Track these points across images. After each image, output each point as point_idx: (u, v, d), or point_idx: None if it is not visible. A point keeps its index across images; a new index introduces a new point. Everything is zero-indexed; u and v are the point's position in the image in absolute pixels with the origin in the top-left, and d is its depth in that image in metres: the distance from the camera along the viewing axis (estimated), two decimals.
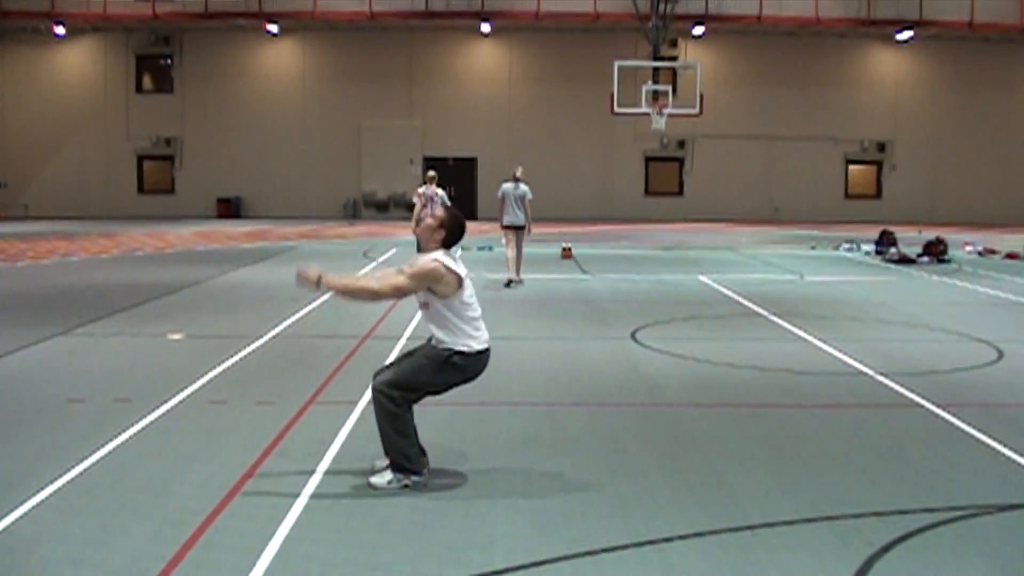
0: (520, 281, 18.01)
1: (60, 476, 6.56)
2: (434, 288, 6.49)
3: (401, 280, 6.47)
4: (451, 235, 6.67)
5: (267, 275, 19.52)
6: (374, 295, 6.58)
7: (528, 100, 43.99)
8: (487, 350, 6.70)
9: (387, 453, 6.55)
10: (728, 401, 9.11)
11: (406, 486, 6.45)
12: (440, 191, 18.72)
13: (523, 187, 18.53)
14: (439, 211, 6.81)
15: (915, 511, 6.06)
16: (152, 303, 15.30)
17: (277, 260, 22.83)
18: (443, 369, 6.55)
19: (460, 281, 6.54)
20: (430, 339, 6.68)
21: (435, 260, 6.50)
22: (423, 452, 6.64)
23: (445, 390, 6.77)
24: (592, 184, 44.11)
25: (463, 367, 6.58)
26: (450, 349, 6.54)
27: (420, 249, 6.85)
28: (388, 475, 6.50)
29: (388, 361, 6.88)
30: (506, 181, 18.85)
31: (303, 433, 7.77)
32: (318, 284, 6.39)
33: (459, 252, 17.47)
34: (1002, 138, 44.67)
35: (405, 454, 6.48)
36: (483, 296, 16.20)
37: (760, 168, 44.56)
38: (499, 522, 5.87)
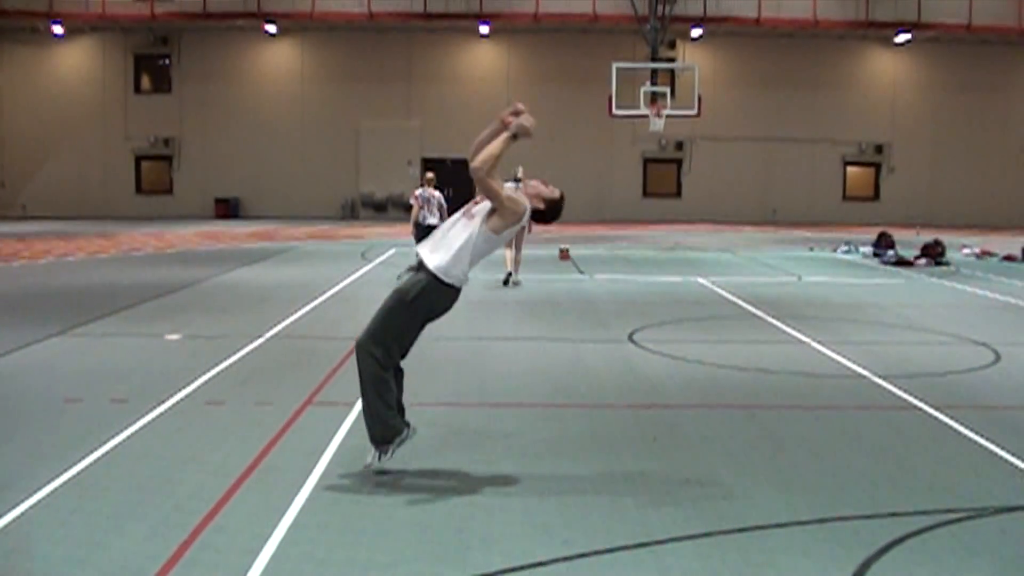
0: (518, 282, 18.04)
1: (56, 477, 6.55)
2: (503, 215, 6.55)
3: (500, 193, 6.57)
4: (546, 212, 6.88)
5: (265, 275, 19.52)
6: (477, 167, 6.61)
7: (526, 101, 42.25)
8: (461, 289, 6.73)
9: (369, 428, 6.58)
10: (725, 403, 9.11)
11: (392, 452, 6.58)
12: (437, 193, 18.63)
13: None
14: (526, 194, 6.84)
15: (912, 513, 6.06)
16: (149, 303, 15.29)
17: (275, 260, 22.83)
18: (414, 307, 6.56)
19: (519, 220, 6.64)
20: (399, 279, 6.71)
21: (526, 205, 6.66)
22: (403, 414, 6.70)
23: (420, 330, 6.74)
24: (590, 185, 44.12)
25: (434, 300, 6.59)
26: (425, 280, 6.52)
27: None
28: (374, 452, 6.59)
29: None
30: (507, 181, 18.85)
31: (301, 434, 7.76)
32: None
33: None
34: (1000, 140, 44.75)
35: (385, 422, 6.52)
36: (481, 297, 16.28)
37: (758, 170, 44.61)
38: (496, 523, 5.87)
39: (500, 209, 6.56)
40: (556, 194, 6.92)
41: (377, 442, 6.58)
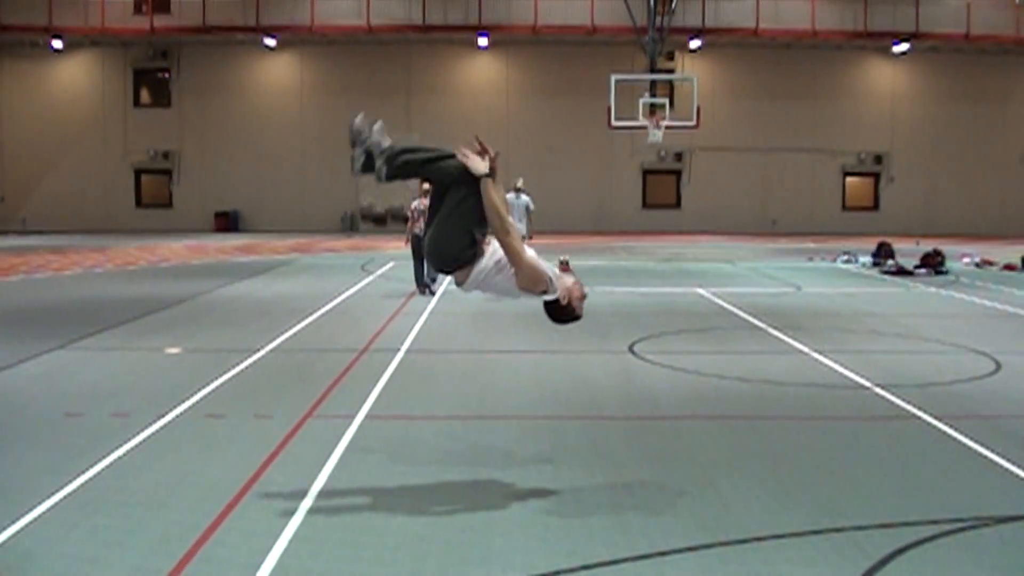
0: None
1: (57, 491, 6.55)
2: (520, 277, 6.33)
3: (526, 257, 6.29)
4: (558, 313, 6.71)
5: (264, 288, 19.52)
6: (509, 234, 6.24)
7: (526, 113, 44.05)
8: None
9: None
10: (726, 414, 9.10)
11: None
12: None
13: (524, 198, 18.82)
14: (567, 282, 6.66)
15: (913, 523, 6.06)
16: (149, 317, 15.29)
17: (274, 274, 22.83)
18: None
19: (535, 291, 6.46)
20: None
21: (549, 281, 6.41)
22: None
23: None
24: (590, 197, 44.16)
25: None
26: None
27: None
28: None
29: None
30: (507, 192, 19.08)
31: (301, 446, 7.75)
32: (491, 172, 6.24)
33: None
34: (999, 150, 44.78)
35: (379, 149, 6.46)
36: (481, 309, 16.27)
37: (758, 180, 44.63)
38: (497, 535, 5.86)
39: (517, 271, 6.32)
40: (579, 309, 6.71)
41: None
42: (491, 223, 6.24)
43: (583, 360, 11.80)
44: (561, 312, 6.62)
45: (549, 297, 6.48)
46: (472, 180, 6.25)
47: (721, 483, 6.93)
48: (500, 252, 6.36)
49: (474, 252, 6.41)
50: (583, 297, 6.69)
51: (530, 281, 6.33)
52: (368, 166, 6.48)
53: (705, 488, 6.82)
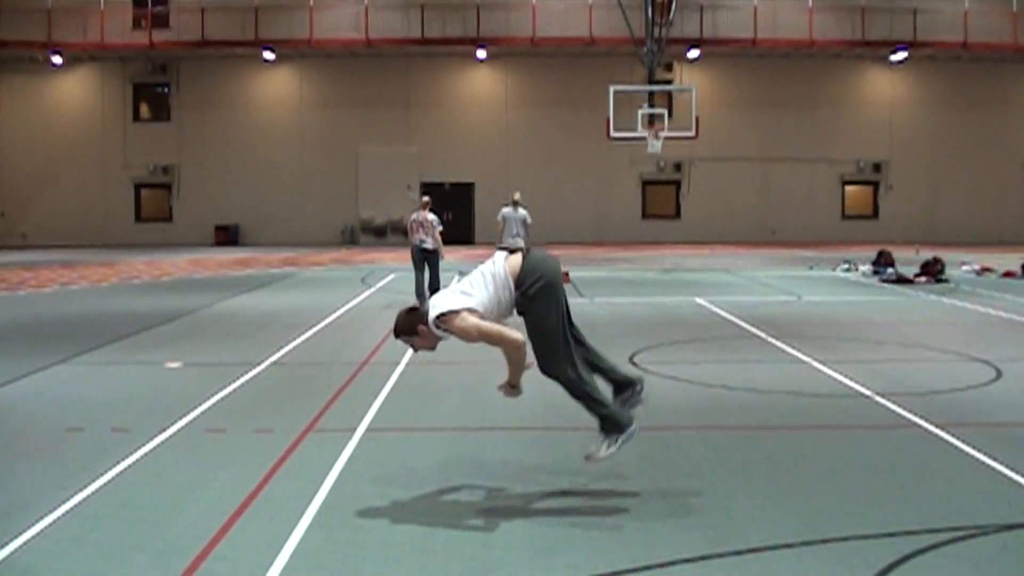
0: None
1: (58, 506, 6.54)
2: (479, 325, 6.45)
3: (484, 331, 6.46)
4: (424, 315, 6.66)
5: (264, 302, 19.54)
6: (516, 347, 6.52)
7: (525, 125, 44.12)
8: (525, 257, 6.71)
9: (597, 420, 6.71)
10: (727, 424, 9.10)
11: (625, 443, 6.65)
12: (432, 216, 18.62)
13: (522, 211, 18.91)
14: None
15: (915, 532, 6.05)
16: (150, 331, 15.30)
17: (274, 287, 22.84)
18: (539, 298, 6.57)
19: (463, 311, 6.48)
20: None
21: (444, 316, 6.47)
22: (626, 398, 6.81)
23: (565, 306, 6.71)
24: (589, 208, 44.21)
25: (542, 279, 6.57)
26: (522, 290, 6.57)
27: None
28: (602, 440, 6.65)
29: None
30: (505, 206, 19.19)
31: (302, 461, 7.75)
32: (515, 388, 6.73)
33: (457, 278, 17.43)
34: (998, 157, 44.83)
35: (604, 415, 6.61)
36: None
37: (757, 190, 44.68)
38: (498, 547, 5.86)
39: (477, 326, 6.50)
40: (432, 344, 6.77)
41: (601, 429, 6.67)
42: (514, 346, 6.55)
43: None
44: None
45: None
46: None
47: (722, 493, 6.92)
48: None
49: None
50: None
51: (470, 325, 6.49)
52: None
53: (706, 498, 6.82)
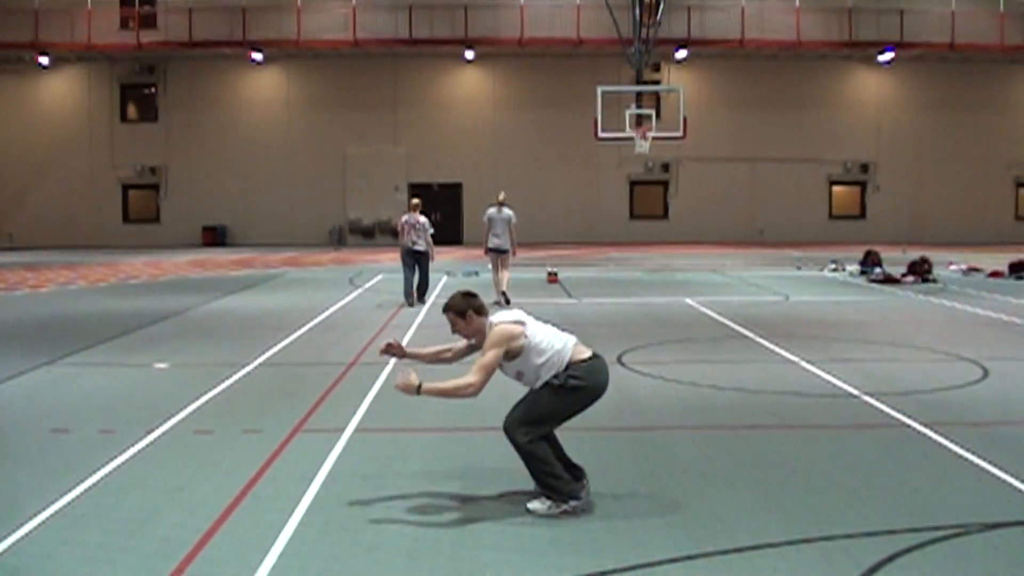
0: (508, 302, 18.19)
1: (44, 508, 6.52)
2: (510, 348, 6.52)
3: (486, 359, 6.50)
4: (479, 305, 6.77)
5: (252, 303, 19.50)
6: (474, 389, 6.48)
7: (512, 125, 44.11)
8: (593, 356, 6.69)
9: (537, 484, 6.61)
10: (715, 424, 9.12)
11: (565, 511, 6.46)
12: (423, 218, 18.84)
13: (507, 211, 18.96)
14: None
15: (902, 531, 6.07)
16: (137, 332, 15.26)
17: (262, 288, 22.80)
18: (564, 394, 6.55)
19: (523, 325, 6.59)
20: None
21: (500, 323, 6.59)
22: (576, 475, 6.67)
23: (574, 415, 6.73)
24: (577, 208, 44.21)
25: (582, 384, 6.55)
26: (560, 377, 6.55)
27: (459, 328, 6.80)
28: (545, 502, 6.53)
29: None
30: (491, 206, 19.25)
31: (290, 462, 7.74)
32: (418, 391, 6.43)
33: (445, 278, 17.51)
34: (984, 157, 44.97)
35: (552, 485, 6.50)
36: None
37: (745, 190, 44.73)
38: (487, 548, 5.86)
39: (508, 350, 6.58)
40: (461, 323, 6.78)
41: (545, 494, 6.56)
42: (462, 397, 6.57)
43: None
44: (478, 307, 6.79)
45: (491, 318, 6.72)
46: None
47: (710, 492, 6.94)
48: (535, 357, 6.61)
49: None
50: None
51: (507, 340, 6.56)
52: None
53: (694, 498, 6.83)
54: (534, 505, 6.52)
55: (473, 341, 6.77)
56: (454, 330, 6.82)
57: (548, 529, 6.18)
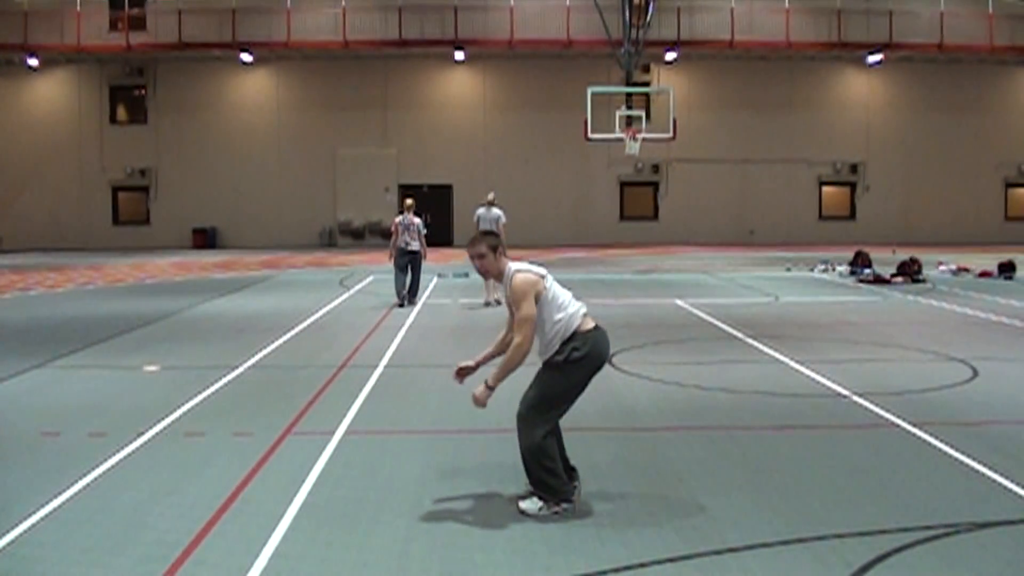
0: (499, 301, 18.33)
1: (35, 511, 6.51)
2: (536, 294, 6.57)
3: (523, 311, 6.51)
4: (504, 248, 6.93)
5: (243, 305, 19.47)
6: (526, 345, 6.53)
7: (502, 127, 44.12)
8: (596, 327, 6.71)
9: (531, 484, 6.60)
10: (705, 424, 9.13)
11: (556, 513, 6.46)
12: (417, 219, 19.03)
13: (496, 211, 19.04)
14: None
15: (892, 531, 6.09)
16: (127, 335, 15.22)
17: (253, 290, 22.77)
18: (569, 368, 6.57)
19: (543, 277, 6.66)
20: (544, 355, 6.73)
21: (518, 271, 6.63)
22: (571, 476, 6.69)
23: (583, 388, 6.73)
24: (567, 209, 44.23)
25: (583, 354, 6.56)
26: (564, 348, 6.57)
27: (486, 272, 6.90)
28: (538, 503, 6.51)
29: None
30: (480, 206, 19.35)
31: (280, 464, 7.74)
32: (492, 389, 6.58)
33: (435, 280, 17.34)
34: (973, 158, 45.12)
35: (549, 485, 6.50)
36: (459, 323, 16.29)
37: (735, 191, 44.80)
38: (479, 551, 5.86)
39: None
40: (483, 247, 6.83)
41: (537, 494, 6.56)
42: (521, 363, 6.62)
43: None
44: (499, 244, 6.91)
45: (514, 264, 6.74)
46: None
47: (700, 493, 6.95)
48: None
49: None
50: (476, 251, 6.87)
51: (535, 289, 6.60)
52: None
53: (684, 498, 6.84)
54: (526, 505, 6.52)
55: (501, 294, 6.65)
56: (481, 266, 6.83)
57: (539, 530, 6.19)
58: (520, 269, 6.65)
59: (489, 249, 6.76)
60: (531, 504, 6.52)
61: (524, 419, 6.61)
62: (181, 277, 26.60)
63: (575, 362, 6.54)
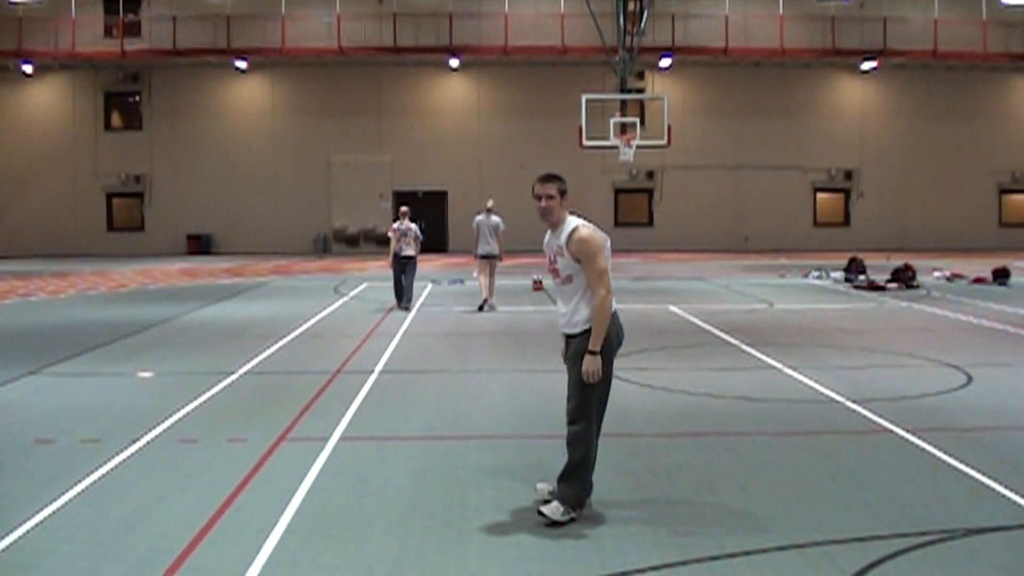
0: (493, 306, 18.76)
1: (28, 519, 6.49)
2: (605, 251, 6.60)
3: (599, 265, 6.57)
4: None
5: (237, 311, 19.46)
6: (608, 295, 6.56)
7: (497, 133, 44.14)
8: (614, 312, 6.70)
9: (563, 486, 6.54)
10: (700, 430, 9.13)
11: (571, 519, 6.44)
12: (413, 225, 19.75)
13: (495, 218, 19.19)
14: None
15: (886, 537, 6.09)
16: (121, 341, 15.20)
17: (247, 296, 22.75)
18: (604, 357, 6.54)
19: (605, 240, 6.71)
20: (568, 338, 6.71)
21: (585, 226, 6.65)
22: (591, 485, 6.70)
23: (612, 368, 6.73)
24: None
25: (613, 336, 6.60)
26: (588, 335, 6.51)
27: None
28: (560, 507, 6.46)
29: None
30: (479, 213, 19.48)
31: (275, 470, 7.72)
32: (595, 353, 6.48)
33: (430, 286, 17.36)
34: (967, 164, 45.22)
35: (581, 486, 6.53)
36: (454, 328, 16.29)
37: (729, 198, 44.85)
38: (472, 558, 5.85)
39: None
40: (551, 188, 6.87)
41: (560, 498, 6.52)
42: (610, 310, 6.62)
43: (556, 379, 11.74)
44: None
45: (577, 220, 6.80)
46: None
47: (695, 499, 6.95)
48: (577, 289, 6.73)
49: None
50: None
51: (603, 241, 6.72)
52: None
53: (679, 505, 6.84)
54: (548, 509, 6.47)
55: (596, 262, 6.62)
56: (546, 206, 6.78)
57: (534, 537, 6.18)
58: (586, 225, 6.64)
59: (559, 193, 6.73)
60: (552, 509, 6.46)
61: (575, 420, 6.58)
62: (177, 283, 26.55)
63: (606, 344, 6.53)
